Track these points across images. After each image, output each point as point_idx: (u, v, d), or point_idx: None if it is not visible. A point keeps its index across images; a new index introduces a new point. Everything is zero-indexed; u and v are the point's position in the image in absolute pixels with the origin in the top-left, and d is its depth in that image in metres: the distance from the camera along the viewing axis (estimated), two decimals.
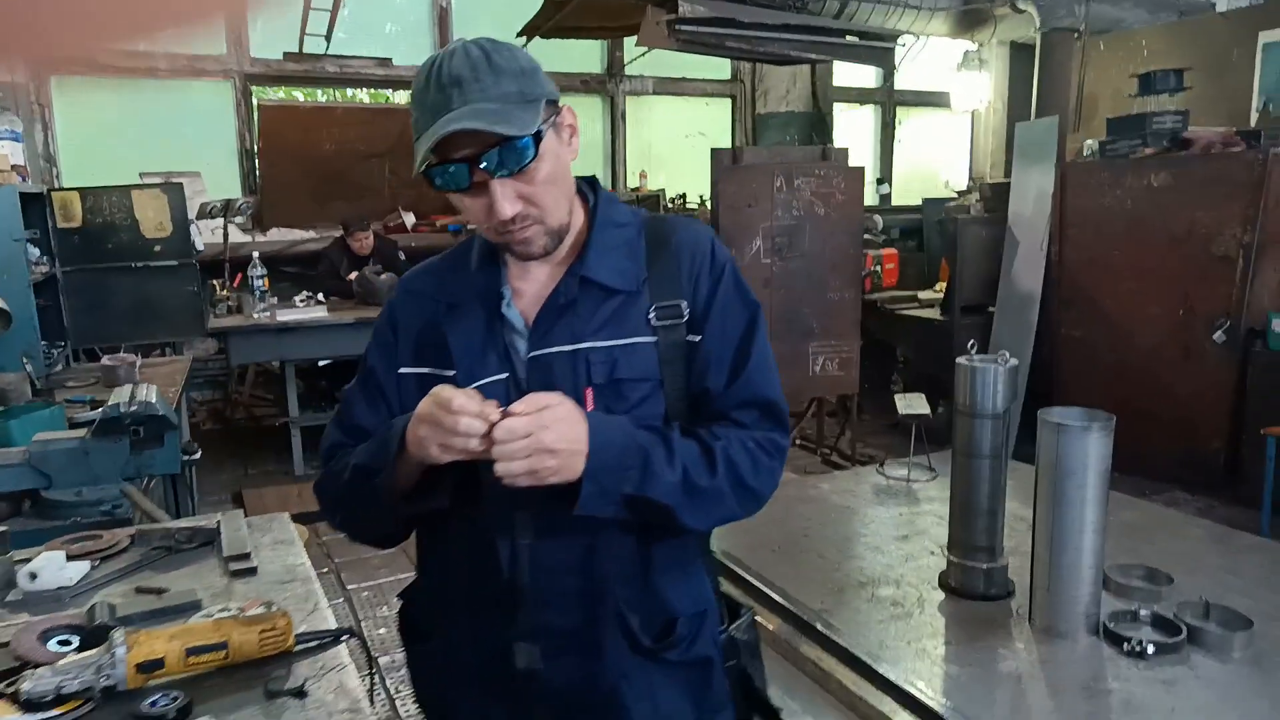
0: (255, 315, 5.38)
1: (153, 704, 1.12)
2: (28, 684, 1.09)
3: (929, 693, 2.16)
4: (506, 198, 1.11)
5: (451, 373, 1.20)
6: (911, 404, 4.32)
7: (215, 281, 5.77)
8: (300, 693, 1.17)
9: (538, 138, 1.10)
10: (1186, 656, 2.22)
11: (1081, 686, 2.14)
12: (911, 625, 2.55)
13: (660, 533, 1.19)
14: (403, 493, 1.16)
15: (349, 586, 4.10)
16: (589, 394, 1.15)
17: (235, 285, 6.01)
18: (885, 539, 3.20)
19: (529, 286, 1.24)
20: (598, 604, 1.18)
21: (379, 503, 1.16)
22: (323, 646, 1.30)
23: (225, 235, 6.04)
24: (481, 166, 1.09)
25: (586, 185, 1.29)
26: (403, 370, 1.26)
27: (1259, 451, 4.29)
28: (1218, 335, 4.88)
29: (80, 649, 1.24)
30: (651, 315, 1.20)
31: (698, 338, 1.21)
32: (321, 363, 6.15)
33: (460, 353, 1.20)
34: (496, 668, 1.20)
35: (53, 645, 1.27)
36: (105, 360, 3.50)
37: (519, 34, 6.62)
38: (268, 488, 5.37)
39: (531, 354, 1.19)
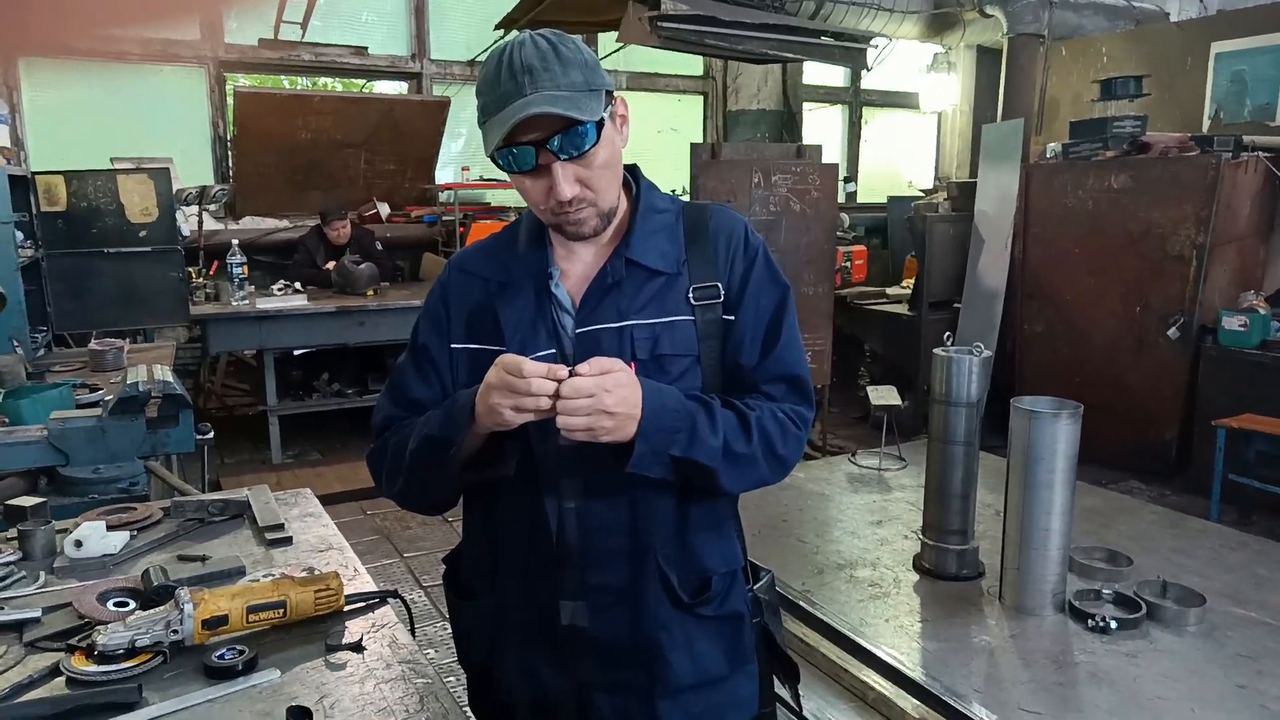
0: (234, 303, 5.36)
1: (220, 656, 1.20)
2: (103, 638, 1.17)
3: (909, 665, 2.29)
4: (567, 180, 1.19)
5: (503, 348, 1.26)
6: (884, 396, 4.46)
7: (191, 269, 5.75)
8: (359, 647, 1.26)
9: (599, 125, 1.18)
10: (1146, 631, 2.38)
11: (1051, 659, 2.28)
12: (889, 604, 2.69)
13: (696, 496, 1.29)
14: (466, 462, 1.24)
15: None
16: (633, 368, 1.23)
17: (211, 273, 5.99)
18: (860, 524, 3.33)
19: (574, 267, 1.32)
20: (641, 562, 1.27)
21: (446, 471, 1.23)
22: (370, 607, 1.39)
23: (200, 222, 6.01)
24: (549, 148, 1.17)
25: (628, 173, 1.37)
26: (455, 346, 1.33)
27: (1209, 442, 4.51)
28: (1172, 331, 5.10)
29: (141, 609, 1.31)
30: (691, 295, 1.29)
31: (732, 317, 1.31)
32: (297, 352, 6.14)
33: (512, 329, 1.28)
34: (543, 623, 1.28)
35: (110, 606, 1.34)
36: (93, 345, 3.51)
37: (496, 26, 6.65)
38: (245, 476, 5.38)
39: (579, 330, 1.27)
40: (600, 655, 1.28)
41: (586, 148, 1.18)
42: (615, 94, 1.26)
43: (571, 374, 1.12)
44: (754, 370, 1.31)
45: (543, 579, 1.28)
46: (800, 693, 1.55)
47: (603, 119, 1.19)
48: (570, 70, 1.16)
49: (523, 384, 1.11)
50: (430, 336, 1.35)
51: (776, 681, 1.48)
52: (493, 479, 1.25)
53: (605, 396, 1.12)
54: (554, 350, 1.27)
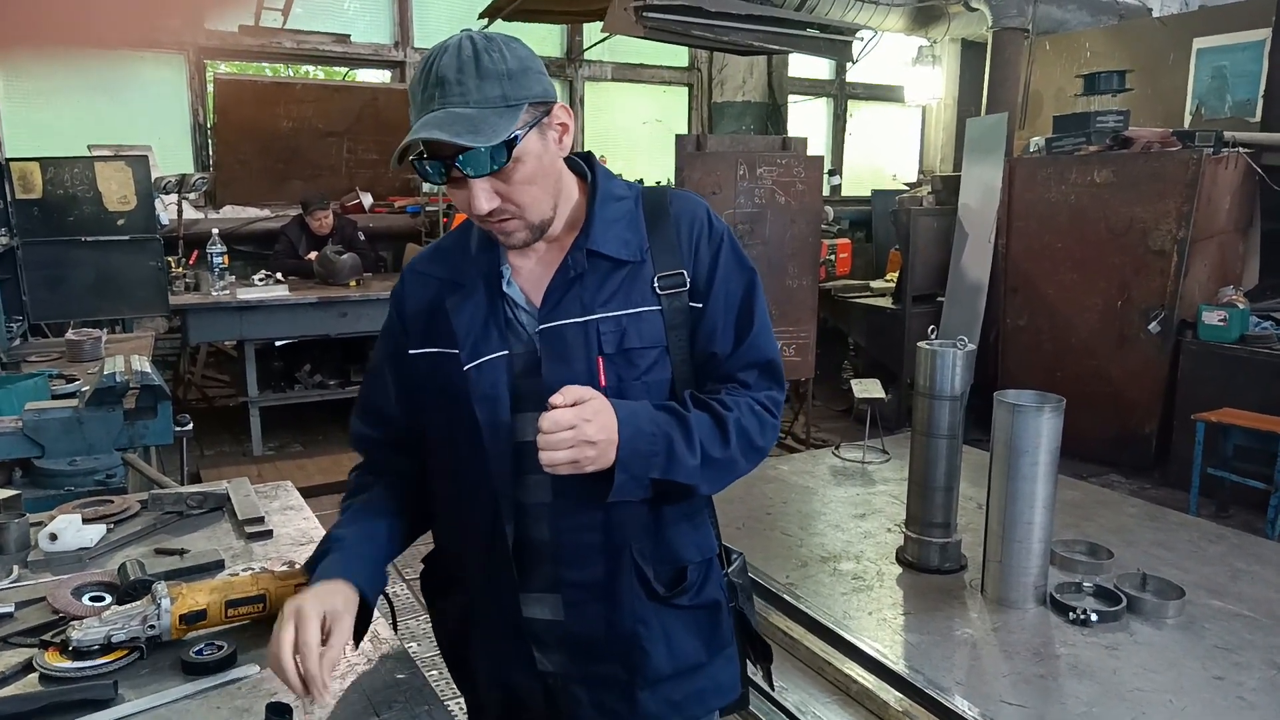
0: (215, 293, 5.31)
1: (199, 652, 1.18)
2: (77, 633, 1.15)
3: (892, 658, 2.30)
4: (483, 194, 1.15)
5: (456, 351, 1.25)
6: (867, 389, 4.47)
7: (170, 259, 5.68)
8: None
9: (511, 143, 1.13)
10: (1126, 623, 2.40)
11: (1032, 651, 2.29)
12: (872, 597, 2.69)
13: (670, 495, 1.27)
14: None
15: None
16: (600, 363, 1.22)
17: (191, 262, 5.93)
18: (844, 517, 3.34)
19: (528, 263, 1.29)
20: (616, 557, 1.25)
21: None
22: None
23: (180, 211, 5.94)
24: (457, 164, 1.13)
25: (583, 161, 1.33)
26: (413, 351, 1.30)
27: (1189, 436, 4.56)
28: (1153, 325, 5.14)
29: (117, 604, 1.29)
30: (656, 284, 1.26)
31: (700, 305, 1.28)
32: (278, 343, 6.09)
33: (464, 331, 1.25)
34: (518, 619, 1.27)
35: (85, 601, 1.32)
36: (70, 335, 3.46)
37: (480, 15, 6.60)
38: (225, 468, 5.34)
39: (543, 326, 1.24)
40: (576, 649, 1.28)
41: (493, 168, 1.14)
42: (553, 103, 1.19)
43: (549, 407, 1.10)
44: (728, 359, 1.30)
45: (515, 574, 1.26)
46: (772, 672, 1.55)
47: (515, 137, 1.13)
48: (486, 84, 1.11)
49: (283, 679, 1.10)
50: (389, 351, 1.35)
51: (749, 664, 1.48)
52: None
53: (587, 426, 1.10)
54: (506, 352, 1.24)
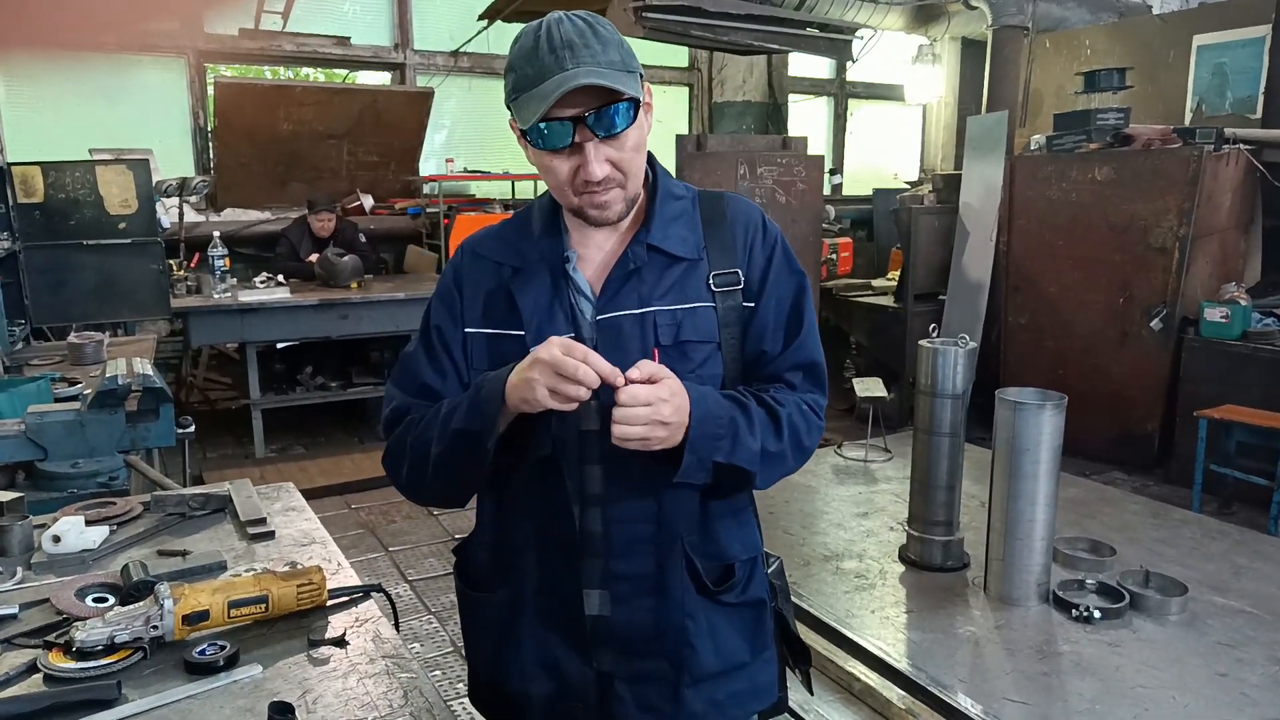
0: (216, 296, 5.31)
1: (201, 652, 1.19)
2: (81, 634, 1.15)
3: (895, 656, 2.29)
4: (599, 159, 1.17)
5: (520, 333, 1.25)
6: (869, 388, 4.46)
7: (172, 262, 5.69)
8: (341, 642, 1.25)
9: (637, 105, 1.17)
10: (1129, 620, 2.39)
11: (1035, 649, 2.29)
12: (875, 595, 2.69)
13: (719, 485, 1.26)
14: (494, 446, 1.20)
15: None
16: (656, 354, 1.23)
17: (192, 265, 5.94)
18: (846, 516, 3.33)
19: (591, 252, 1.30)
20: (667, 550, 1.26)
21: (479, 464, 1.20)
22: (353, 601, 1.37)
23: (181, 214, 5.95)
24: (586, 124, 1.15)
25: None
26: (469, 330, 1.30)
27: (1191, 433, 4.55)
28: (1154, 323, 5.13)
29: (120, 605, 1.29)
30: (711, 282, 1.28)
31: (753, 304, 1.30)
32: (280, 345, 6.10)
33: (530, 313, 1.26)
34: (563, 614, 1.27)
35: (89, 602, 1.32)
36: (72, 338, 3.47)
37: (480, 17, 6.61)
38: (227, 470, 5.34)
39: (600, 316, 1.25)
40: (623, 645, 1.27)
41: (624, 126, 1.17)
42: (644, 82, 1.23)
43: (628, 381, 1.10)
44: (777, 358, 1.31)
45: (562, 568, 1.26)
46: (811, 676, 1.55)
47: (639, 100, 1.17)
48: (609, 49, 1.15)
49: (570, 365, 1.08)
50: (443, 319, 1.32)
51: (788, 669, 1.48)
52: (527, 461, 1.22)
53: (663, 406, 1.11)
54: (572, 334, 1.24)
